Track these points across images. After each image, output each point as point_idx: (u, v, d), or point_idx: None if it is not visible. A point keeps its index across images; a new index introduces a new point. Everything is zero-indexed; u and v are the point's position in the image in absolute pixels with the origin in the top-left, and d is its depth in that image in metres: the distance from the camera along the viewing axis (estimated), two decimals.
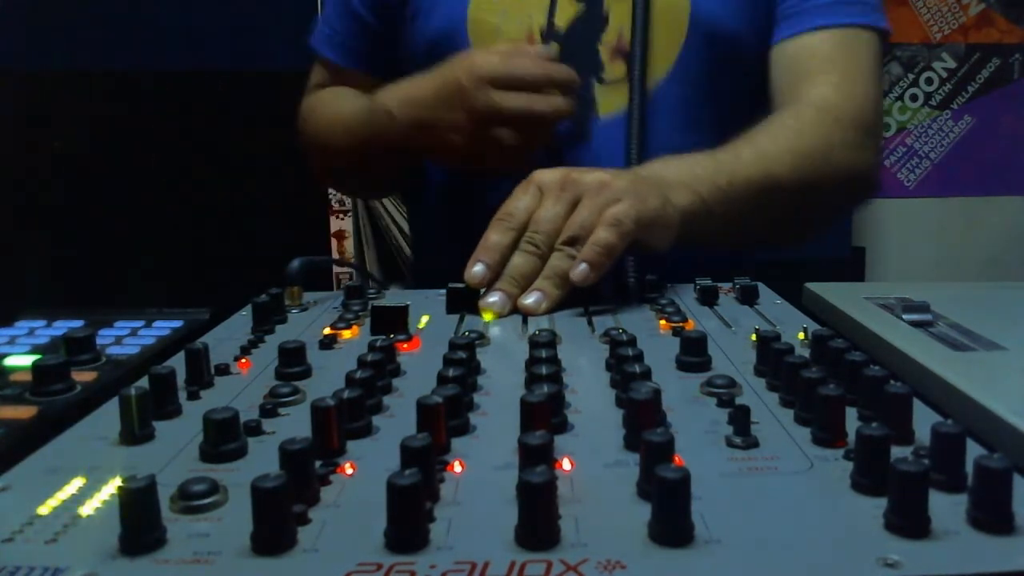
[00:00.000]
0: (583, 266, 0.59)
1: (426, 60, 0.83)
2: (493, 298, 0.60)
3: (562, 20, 0.84)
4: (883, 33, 0.86)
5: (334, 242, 1.93)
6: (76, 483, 0.34)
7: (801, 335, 0.52)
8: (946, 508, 0.30)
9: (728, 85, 0.86)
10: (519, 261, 0.62)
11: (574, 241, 0.61)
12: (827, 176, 0.78)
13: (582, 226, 0.61)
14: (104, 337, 0.55)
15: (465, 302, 0.61)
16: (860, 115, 0.81)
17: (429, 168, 0.92)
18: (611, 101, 0.83)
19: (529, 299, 0.60)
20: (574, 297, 0.61)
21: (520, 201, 0.64)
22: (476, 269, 0.62)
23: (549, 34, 0.84)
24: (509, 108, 0.75)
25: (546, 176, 0.65)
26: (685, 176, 0.70)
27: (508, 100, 0.75)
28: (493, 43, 0.83)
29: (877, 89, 0.84)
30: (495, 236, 0.63)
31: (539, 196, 0.64)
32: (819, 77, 0.82)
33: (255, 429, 0.38)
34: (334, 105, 0.92)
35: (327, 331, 0.55)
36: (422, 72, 0.81)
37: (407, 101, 0.80)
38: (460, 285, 0.62)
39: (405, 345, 0.52)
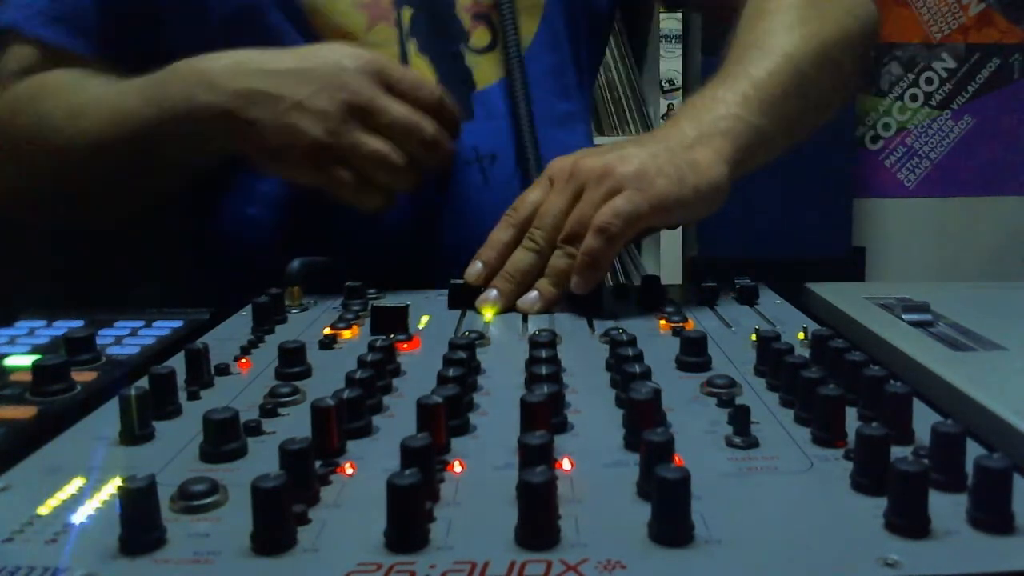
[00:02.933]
0: (574, 279, 0.58)
1: (214, 42, 0.68)
2: (488, 295, 0.60)
3: None
4: None
5: None
6: (76, 483, 0.34)
7: (801, 335, 0.52)
8: (946, 508, 0.30)
9: (588, 46, 0.85)
10: (518, 258, 0.61)
11: (572, 239, 0.59)
12: (834, 33, 0.72)
13: (579, 223, 0.59)
14: (104, 337, 0.55)
15: (466, 298, 0.61)
16: None
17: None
18: (485, 71, 0.78)
19: (525, 298, 0.60)
20: (577, 308, 0.60)
21: (530, 194, 0.63)
22: (475, 267, 0.62)
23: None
24: (396, 118, 0.64)
25: (557, 165, 0.63)
26: (711, 120, 0.64)
27: (400, 110, 0.64)
28: (330, 15, 0.72)
29: None
30: (498, 232, 0.63)
31: (549, 187, 0.63)
32: None
33: (255, 429, 0.38)
34: (81, 91, 0.71)
35: (327, 331, 0.55)
36: (204, 55, 0.66)
37: (240, 68, 0.65)
38: (462, 281, 0.62)
39: (405, 345, 0.52)
